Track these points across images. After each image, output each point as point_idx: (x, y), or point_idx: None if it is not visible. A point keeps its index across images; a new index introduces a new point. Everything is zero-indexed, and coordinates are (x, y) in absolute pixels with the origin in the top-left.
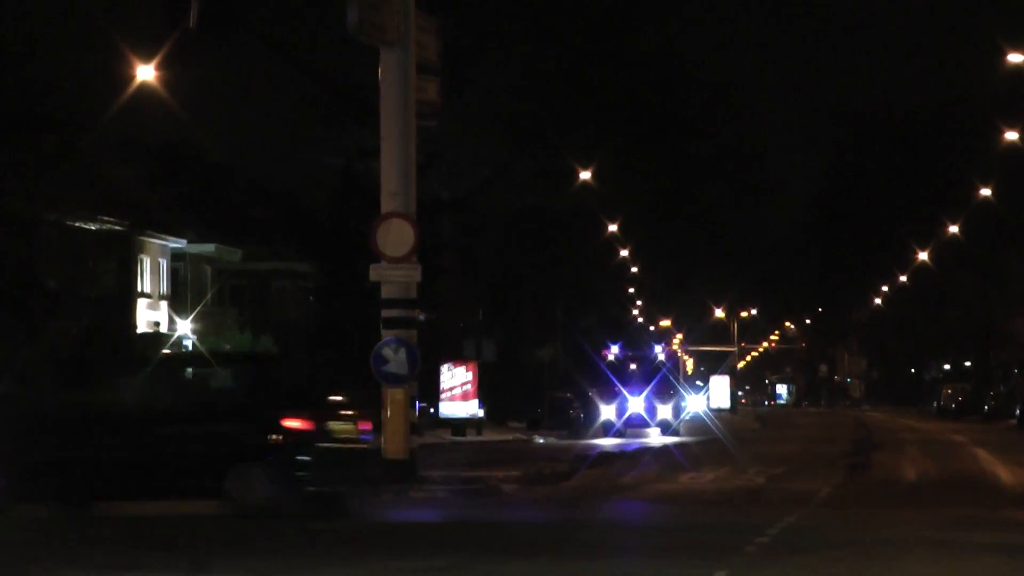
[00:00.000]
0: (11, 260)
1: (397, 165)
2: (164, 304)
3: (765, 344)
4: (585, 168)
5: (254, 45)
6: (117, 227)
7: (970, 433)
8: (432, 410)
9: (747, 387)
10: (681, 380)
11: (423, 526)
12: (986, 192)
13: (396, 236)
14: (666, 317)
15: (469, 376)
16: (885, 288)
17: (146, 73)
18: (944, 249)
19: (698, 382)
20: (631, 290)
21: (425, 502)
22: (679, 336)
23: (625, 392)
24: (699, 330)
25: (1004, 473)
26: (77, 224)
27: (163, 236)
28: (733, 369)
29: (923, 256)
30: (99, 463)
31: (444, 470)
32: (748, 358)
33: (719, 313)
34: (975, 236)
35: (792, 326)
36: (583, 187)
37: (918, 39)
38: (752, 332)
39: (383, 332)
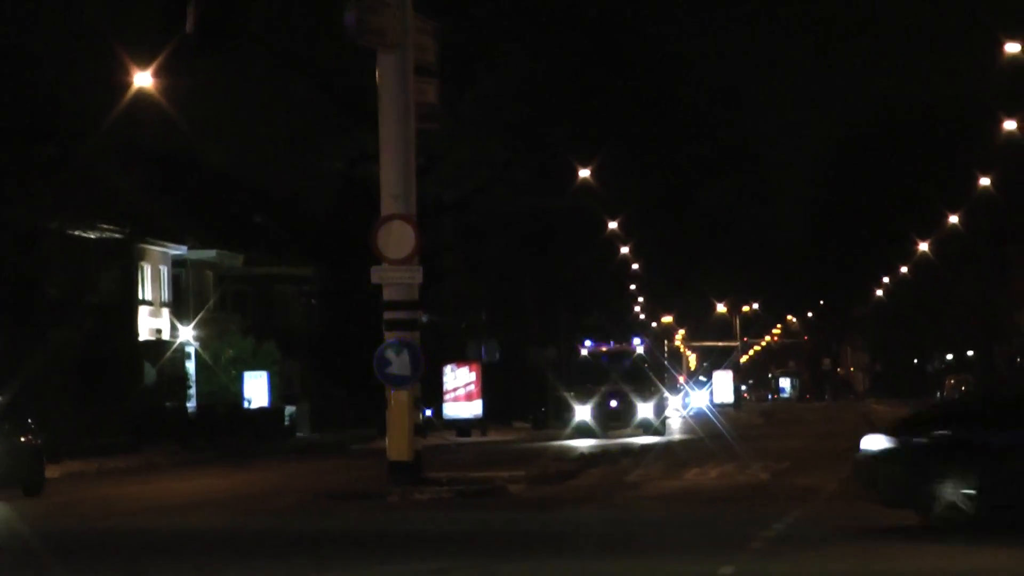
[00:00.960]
0: (12, 269)
1: (397, 168)
2: (166, 311)
3: (768, 339)
4: (586, 167)
5: (253, 50)
6: (118, 235)
7: None
8: (429, 412)
9: (750, 382)
10: (665, 375)
11: (427, 527)
12: (987, 183)
13: (397, 238)
14: (668, 314)
15: (472, 377)
16: (887, 281)
17: (145, 80)
18: (946, 241)
19: (701, 377)
20: (633, 287)
21: (430, 503)
22: (681, 332)
23: (600, 390)
24: (702, 326)
25: None
26: (78, 232)
27: (164, 243)
28: (736, 364)
29: (925, 248)
30: None
31: (449, 471)
32: (751, 353)
33: (722, 308)
34: (976, 228)
35: (795, 320)
36: (584, 186)
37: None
38: (755, 327)
39: (386, 334)
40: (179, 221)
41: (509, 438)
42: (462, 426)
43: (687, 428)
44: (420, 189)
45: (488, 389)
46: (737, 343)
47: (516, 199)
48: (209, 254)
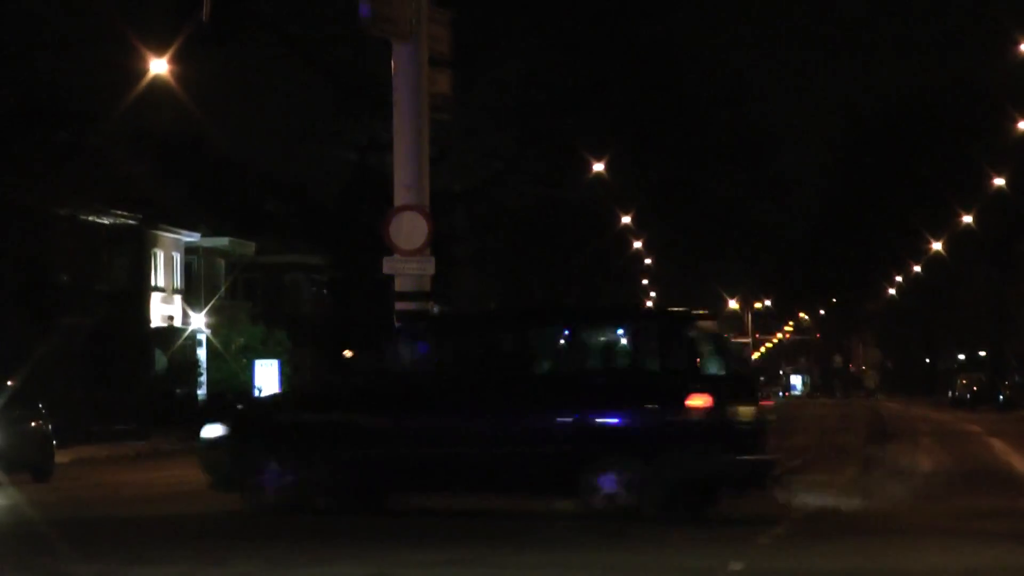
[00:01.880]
0: (24, 255)
1: (410, 158)
2: (178, 298)
3: (779, 335)
4: (597, 159)
5: (267, 38)
6: (130, 221)
7: (985, 423)
8: None
9: (761, 378)
10: None
11: (441, 518)
12: (1000, 181)
13: (409, 229)
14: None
15: None
16: (899, 278)
17: (158, 67)
18: (958, 239)
19: None
20: (645, 282)
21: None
22: None
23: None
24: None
25: (1019, 463)
26: (90, 218)
27: (176, 230)
28: (747, 360)
29: (937, 246)
30: None
31: None
32: (762, 349)
33: (733, 304)
34: (989, 225)
35: (806, 317)
36: (595, 178)
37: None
38: (766, 323)
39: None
40: (191, 208)
41: None
42: None
43: None
44: (432, 179)
45: None
46: (748, 339)
47: (527, 191)
48: (221, 241)
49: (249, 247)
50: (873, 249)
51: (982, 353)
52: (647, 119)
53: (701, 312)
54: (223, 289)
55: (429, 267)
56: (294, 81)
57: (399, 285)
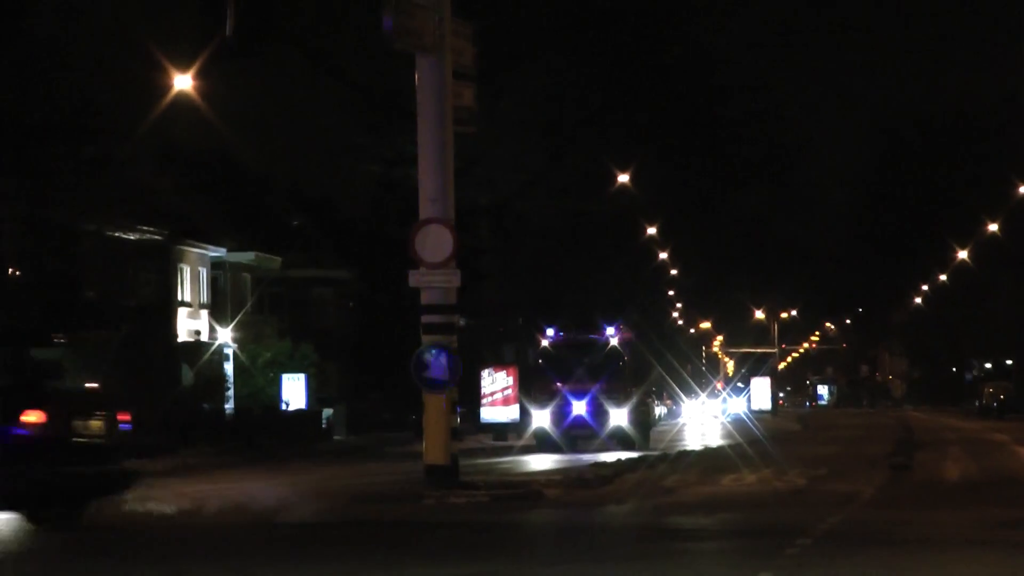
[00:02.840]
0: (51, 270)
1: (435, 171)
2: (204, 313)
3: (806, 345)
4: (624, 171)
5: (292, 53)
6: (157, 236)
7: (1012, 432)
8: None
9: (788, 388)
10: (650, 373)
11: (464, 531)
12: None
13: (435, 242)
14: (706, 319)
15: (510, 381)
16: (926, 287)
17: (184, 82)
18: (984, 247)
19: (739, 384)
20: (671, 293)
21: (466, 507)
22: (719, 338)
23: (564, 390)
24: (740, 332)
25: None
26: (117, 234)
27: (203, 245)
28: (774, 370)
29: (963, 255)
30: None
31: (486, 475)
32: (789, 359)
33: (760, 314)
34: (1015, 234)
35: (833, 327)
36: (622, 190)
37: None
38: (793, 333)
39: (423, 338)
40: (217, 223)
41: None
42: (499, 430)
43: (726, 433)
44: (457, 192)
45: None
46: (775, 349)
47: (553, 203)
48: (247, 256)
49: (275, 261)
50: (899, 258)
51: (1009, 362)
52: (674, 132)
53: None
54: (249, 304)
55: (455, 280)
56: (319, 96)
57: (425, 298)
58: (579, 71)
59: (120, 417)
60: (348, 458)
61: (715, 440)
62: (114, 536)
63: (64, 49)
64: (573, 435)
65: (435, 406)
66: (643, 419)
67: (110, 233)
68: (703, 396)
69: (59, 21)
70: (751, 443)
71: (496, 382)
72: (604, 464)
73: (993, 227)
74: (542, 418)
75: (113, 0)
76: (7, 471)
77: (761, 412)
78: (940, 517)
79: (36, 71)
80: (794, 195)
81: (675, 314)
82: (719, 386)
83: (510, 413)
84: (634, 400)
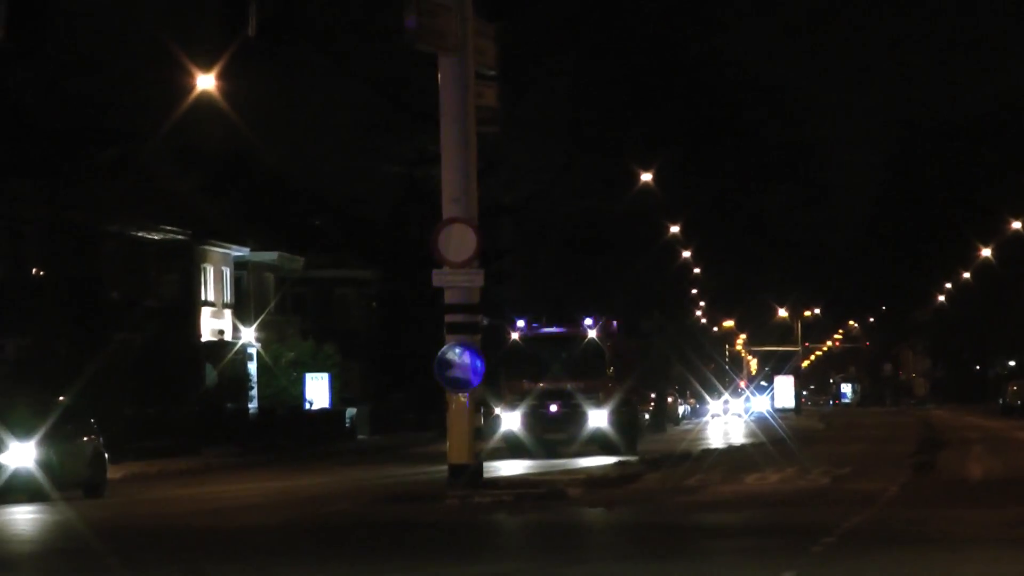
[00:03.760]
0: (74, 272)
1: (458, 171)
2: (228, 312)
3: (829, 343)
4: (645, 171)
5: (313, 54)
6: (180, 236)
7: None
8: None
9: (811, 387)
10: (632, 369)
11: (487, 531)
12: None
13: (458, 241)
14: (730, 318)
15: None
16: (948, 286)
17: (207, 83)
18: (1007, 245)
19: (762, 382)
20: (694, 292)
21: (490, 507)
22: (743, 336)
23: (537, 389)
24: (763, 330)
25: None
26: (139, 235)
27: (226, 245)
28: (797, 369)
29: (986, 253)
30: None
31: (508, 474)
32: (812, 358)
33: (783, 313)
34: None
35: (856, 325)
36: (643, 190)
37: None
38: (816, 332)
39: (446, 337)
40: (240, 223)
41: None
42: None
43: (749, 432)
44: (479, 192)
45: None
46: (798, 348)
47: (575, 202)
48: (270, 256)
49: (298, 261)
50: (922, 256)
51: None
52: (695, 131)
53: None
54: (272, 303)
55: (478, 279)
56: (342, 96)
57: (448, 297)
58: (600, 71)
59: None
60: (371, 458)
61: (738, 439)
62: (135, 535)
63: (85, 51)
64: (547, 439)
65: (459, 406)
66: (627, 421)
67: (133, 234)
68: (726, 395)
69: (80, 23)
70: (774, 442)
71: None
72: (628, 464)
73: (1016, 224)
74: (512, 420)
75: (135, 2)
76: None
77: (784, 411)
78: (963, 515)
79: (58, 73)
80: (816, 193)
81: (698, 313)
82: (742, 385)
83: None
84: (616, 400)
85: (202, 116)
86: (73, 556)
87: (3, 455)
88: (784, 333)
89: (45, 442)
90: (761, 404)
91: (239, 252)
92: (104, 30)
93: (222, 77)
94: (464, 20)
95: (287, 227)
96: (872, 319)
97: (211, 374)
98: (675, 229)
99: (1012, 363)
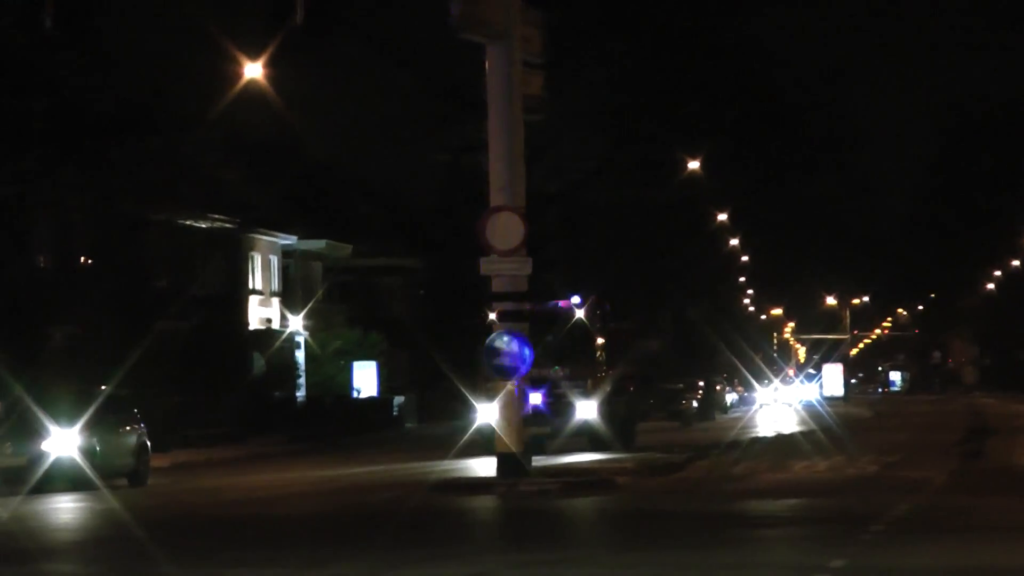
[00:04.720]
0: (122, 260)
1: (505, 159)
2: (276, 301)
3: (877, 331)
4: (692, 158)
5: (360, 42)
6: (227, 225)
7: None
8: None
9: (860, 375)
10: (625, 352)
11: (534, 519)
12: None
13: (505, 229)
14: (778, 306)
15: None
16: (997, 273)
17: (255, 71)
18: None
19: (811, 370)
20: (742, 279)
21: (537, 495)
22: (791, 324)
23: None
24: (811, 318)
25: None
26: (187, 223)
27: (273, 233)
28: (845, 357)
29: None
30: None
31: (556, 462)
32: (860, 346)
33: (831, 301)
34: None
35: (904, 313)
36: (690, 177)
37: None
38: (864, 319)
39: (494, 326)
40: (287, 212)
41: None
42: None
43: (797, 420)
44: (526, 180)
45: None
46: (847, 336)
47: (620, 190)
48: (318, 244)
49: (345, 249)
50: (971, 244)
51: None
52: (741, 119)
53: None
54: (320, 292)
55: (525, 267)
56: (388, 85)
57: (495, 286)
58: (644, 57)
59: None
60: (419, 446)
61: (786, 427)
62: (179, 524)
63: (132, 40)
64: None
65: (507, 394)
66: (620, 413)
67: (180, 222)
68: (774, 383)
69: (127, 12)
70: (823, 430)
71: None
72: (675, 451)
73: None
74: (487, 412)
75: None
76: None
77: (833, 399)
78: (1011, 503)
79: (104, 62)
80: (863, 180)
81: (746, 300)
82: (790, 373)
83: None
84: (608, 389)
85: (249, 105)
86: (116, 545)
87: (45, 443)
88: (832, 321)
89: (88, 430)
90: (810, 392)
91: (286, 240)
92: (151, 19)
93: (269, 65)
94: (509, 8)
95: (334, 216)
96: (920, 307)
97: (259, 362)
98: (723, 217)
99: None
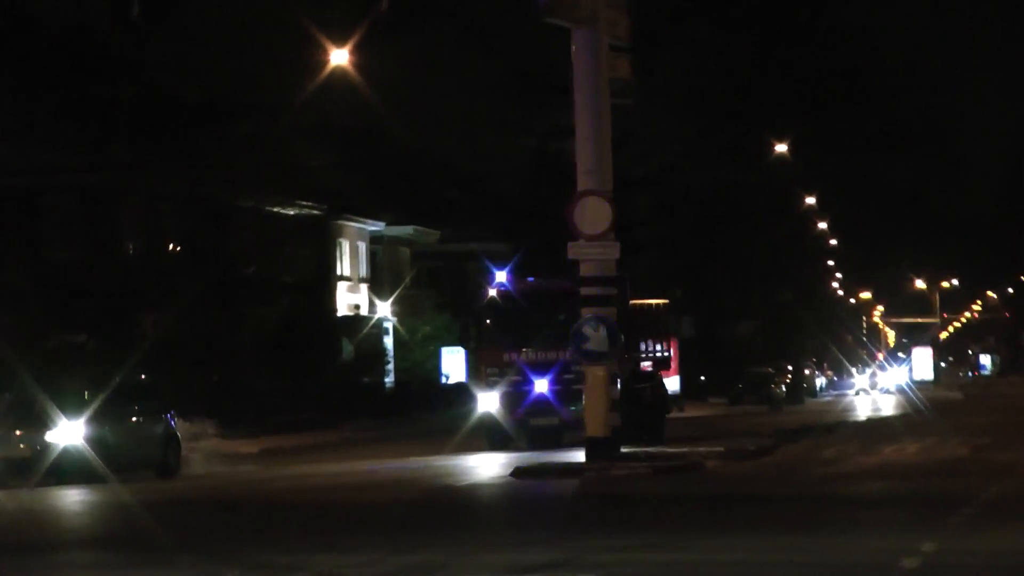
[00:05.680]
0: (210, 247)
1: (592, 143)
2: (364, 287)
3: (967, 314)
4: (779, 141)
5: (445, 27)
6: (315, 211)
7: None
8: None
9: (949, 358)
10: (652, 331)
11: (623, 503)
12: None
13: (593, 214)
14: (866, 289)
15: (670, 353)
16: None
17: (340, 58)
18: None
19: (900, 354)
20: (830, 262)
21: (627, 479)
22: (880, 308)
23: (521, 361)
24: (900, 301)
25: None
26: (275, 210)
27: (361, 219)
28: (935, 340)
29: None
30: None
31: (646, 447)
32: (950, 329)
33: (920, 284)
34: None
35: (994, 296)
36: (777, 160)
37: None
38: (954, 302)
39: (582, 310)
40: (374, 198)
41: (706, 414)
42: None
43: (887, 404)
44: (613, 164)
45: (683, 365)
46: (936, 319)
47: (708, 174)
48: (406, 230)
49: (433, 235)
50: None
51: None
52: (830, 102)
53: None
54: (408, 278)
55: (613, 252)
56: (474, 69)
57: (583, 270)
58: (732, 41)
59: None
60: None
61: (876, 410)
62: (262, 507)
63: (219, 28)
64: (534, 424)
65: (595, 378)
66: (644, 401)
67: (268, 209)
68: (868, 367)
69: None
70: (912, 413)
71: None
72: (763, 434)
73: None
74: (489, 401)
75: None
76: None
77: (922, 382)
78: None
79: (192, 51)
80: (953, 162)
81: (834, 284)
82: (880, 356)
83: (670, 385)
84: (627, 375)
85: (337, 91)
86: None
87: (50, 434)
88: (921, 304)
89: (98, 420)
90: (899, 376)
91: (374, 226)
92: (238, 7)
93: (356, 52)
94: None
95: (421, 201)
96: (1011, 289)
97: (347, 348)
98: (811, 200)
99: None
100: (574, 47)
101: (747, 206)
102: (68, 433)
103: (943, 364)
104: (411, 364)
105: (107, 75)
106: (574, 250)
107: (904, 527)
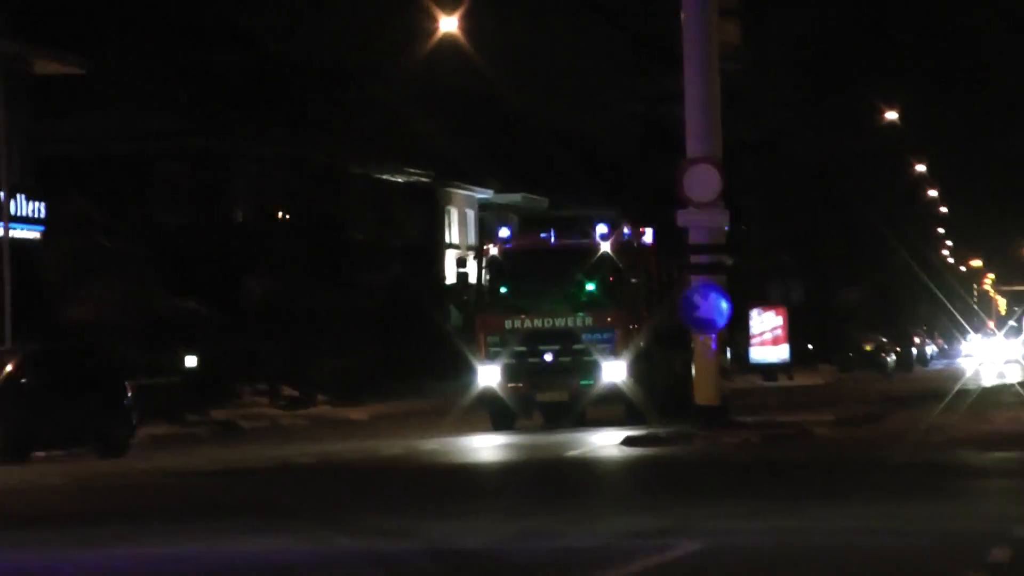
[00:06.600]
0: (319, 213)
1: (701, 109)
2: (472, 255)
3: None
4: (890, 108)
5: None
6: (424, 178)
7: None
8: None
9: None
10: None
11: (734, 470)
12: None
13: (702, 181)
14: (977, 257)
15: (779, 321)
16: None
17: (450, 24)
18: None
19: (1013, 323)
20: (940, 230)
21: (737, 447)
22: (991, 276)
23: (524, 329)
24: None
25: None
26: (384, 176)
27: (469, 187)
28: None
29: None
30: None
31: (756, 415)
32: None
33: None
34: None
35: None
36: (889, 127)
37: None
38: None
39: (691, 278)
40: (483, 164)
41: (816, 382)
42: (768, 370)
43: (1000, 373)
44: (722, 130)
45: (793, 332)
46: None
47: (817, 139)
48: (514, 198)
49: (542, 202)
50: None
51: None
52: (942, 68)
53: None
54: None
55: (723, 219)
56: (583, 35)
57: (692, 237)
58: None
59: None
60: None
61: (989, 379)
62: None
63: None
64: (540, 399)
65: (704, 347)
66: (662, 374)
67: (377, 176)
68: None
69: None
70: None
71: (765, 322)
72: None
73: None
74: (489, 373)
75: None
76: None
77: None
78: None
79: (302, 17)
80: None
81: (944, 252)
82: (990, 325)
83: (780, 353)
84: (642, 343)
85: (445, 56)
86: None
87: None
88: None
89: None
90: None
91: (483, 194)
92: None
93: (466, 17)
94: None
95: (530, 168)
96: None
97: (456, 316)
98: (921, 168)
99: None
100: (683, 12)
101: (857, 172)
102: None
103: None
104: None
105: (218, 41)
106: (683, 217)
107: (1016, 495)
